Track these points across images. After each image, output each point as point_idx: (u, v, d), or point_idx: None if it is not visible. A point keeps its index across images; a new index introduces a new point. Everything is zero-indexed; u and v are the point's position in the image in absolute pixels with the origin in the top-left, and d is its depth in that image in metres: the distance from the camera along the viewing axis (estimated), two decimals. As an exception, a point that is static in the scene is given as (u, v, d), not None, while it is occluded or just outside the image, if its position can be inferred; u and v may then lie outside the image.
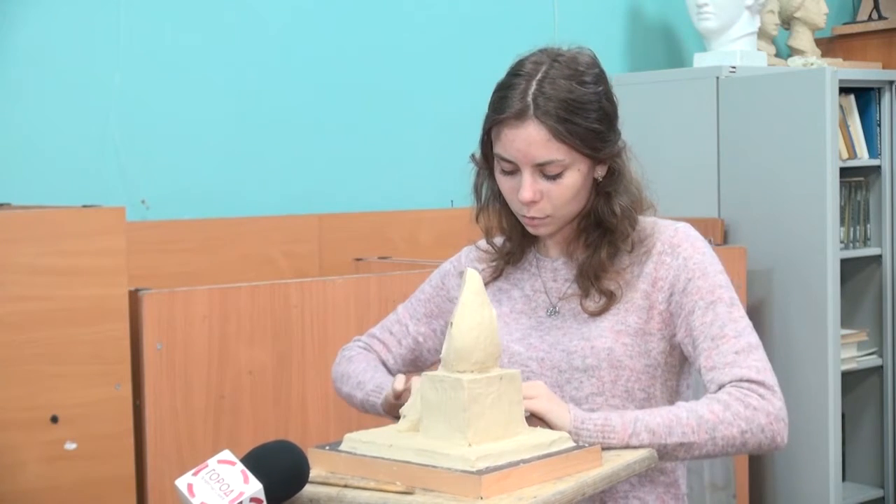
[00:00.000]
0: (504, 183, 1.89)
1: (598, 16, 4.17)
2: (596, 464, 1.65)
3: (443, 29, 3.81)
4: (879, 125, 4.02)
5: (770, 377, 1.80)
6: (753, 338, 1.84)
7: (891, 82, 4.03)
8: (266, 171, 3.44)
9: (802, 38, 4.51)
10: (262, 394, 2.61)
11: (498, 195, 1.96)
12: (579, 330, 1.89)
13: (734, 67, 3.92)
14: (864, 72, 4.17)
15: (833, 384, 3.68)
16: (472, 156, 1.97)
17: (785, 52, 4.63)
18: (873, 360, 4.01)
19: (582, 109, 1.82)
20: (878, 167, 4.02)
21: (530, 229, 1.93)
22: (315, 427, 2.67)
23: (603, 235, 1.92)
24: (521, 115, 1.81)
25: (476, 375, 1.62)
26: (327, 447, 1.70)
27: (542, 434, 1.66)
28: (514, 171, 1.86)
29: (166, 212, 3.23)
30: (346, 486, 1.59)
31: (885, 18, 4.67)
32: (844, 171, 3.86)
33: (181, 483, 1.49)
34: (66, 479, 2.34)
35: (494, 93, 1.87)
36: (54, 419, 2.33)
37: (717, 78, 3.89)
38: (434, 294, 2.12)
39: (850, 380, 3.99)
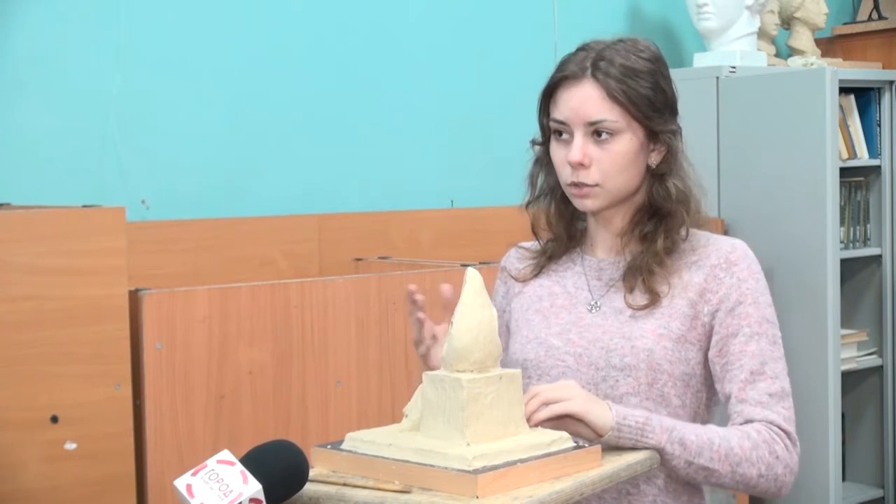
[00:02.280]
0: (557, 153, 1.89)
1: (598, 16, 4.17)
2: (596, 464, 1.64)
3: (443, 29, 3.81)
4: (879, 125, 4.02)
5: (794, 429, 1.83)
6: (787, 384, 1.86)
7: (891, 82, 4.03)
8: (266, 171, 3.44)
9: (802, 38, 4.51)
10: (262, 394, 2.61)
11: (552, 189, 1.97)
12: (620, 329, 1.88)
13: (734, 67, 3.92)
14: (864, 72, 4.17)
15: (833, 384, 3.68)
16: (532, 141, 1.98)
17: (785, 52, 4.63)
18: (873, 360, 4.01)
19: (638, 76, 1.85)
20: (878, 167, 4.02)
21: (577, 202, 1.90)
22: (315, 427, 2.67)
23: (658, 224, 1.91)
24: (578, 75, 1.85)
25: (475, 375, 1.62)
26: (329, 446, 1.70)
27: (541, 434, 1.65)
28: (567, 137, 1.87)
29: (166, 212, 3.23)
30: (344, 484, 1.59)
31: (885, 18, 4.67)
32: (844, 171, 3.86)
33: (180, 483, 1.48)
34: (66, 479, 2.34)
35: (557, 65, 1.91)
36: (54, 419, 2.33)
37: (717, 78, 3.89)
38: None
39: (850, 380, 3.99)
